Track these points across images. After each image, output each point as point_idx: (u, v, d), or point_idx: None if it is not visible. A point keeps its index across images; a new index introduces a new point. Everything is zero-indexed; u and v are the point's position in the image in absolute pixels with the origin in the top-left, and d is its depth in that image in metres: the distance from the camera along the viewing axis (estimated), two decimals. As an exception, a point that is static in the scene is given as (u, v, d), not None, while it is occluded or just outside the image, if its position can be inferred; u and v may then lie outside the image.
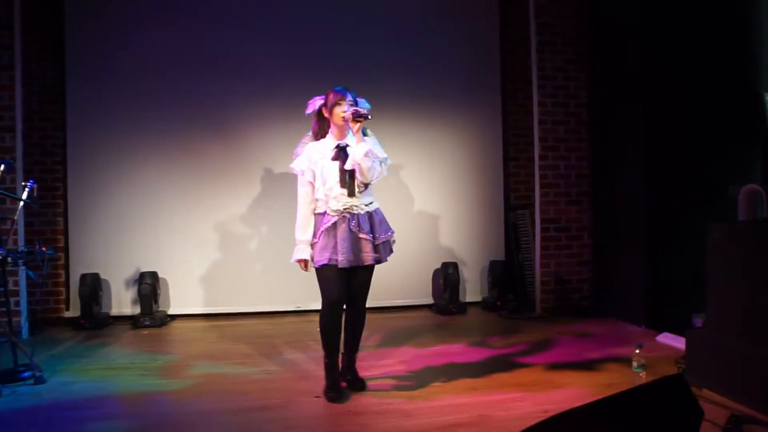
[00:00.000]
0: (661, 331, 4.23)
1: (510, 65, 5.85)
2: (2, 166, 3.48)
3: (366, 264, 3.11)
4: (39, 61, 5.12)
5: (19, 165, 4.61)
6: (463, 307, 5.37)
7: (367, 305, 3.33)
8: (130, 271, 5.24)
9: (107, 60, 5.20)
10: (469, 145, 5.73)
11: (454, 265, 5.47)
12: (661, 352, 3.79)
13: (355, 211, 3.09)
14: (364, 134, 3.25)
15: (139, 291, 5.04)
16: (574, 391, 3.12)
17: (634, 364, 3.37)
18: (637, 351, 3.38)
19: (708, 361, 3.07)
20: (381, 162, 3.13)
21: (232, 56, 5.35)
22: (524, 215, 5.69)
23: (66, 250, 5.21)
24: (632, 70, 4.68)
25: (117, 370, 3.69)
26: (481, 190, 5.75)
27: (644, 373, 3.31)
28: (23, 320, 4.54)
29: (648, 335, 4.25)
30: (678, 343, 3.85)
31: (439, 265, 5.57)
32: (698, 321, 3.92)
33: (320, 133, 3.24)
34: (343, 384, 3.24)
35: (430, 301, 5.60)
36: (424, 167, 5.60)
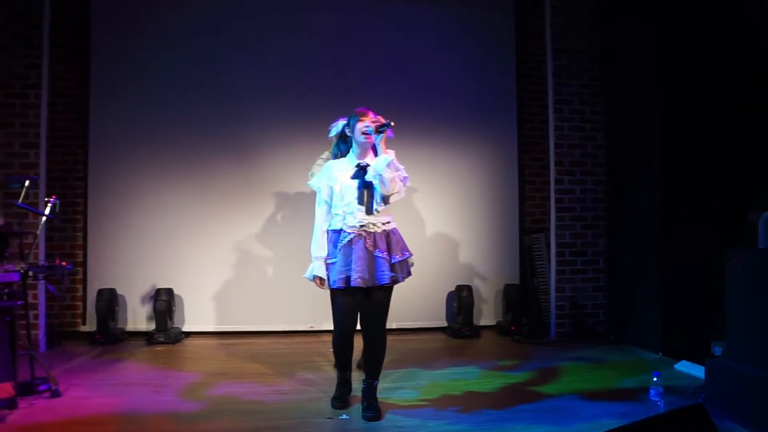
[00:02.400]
0: (679, 359, 4.17)
1: (526, 89, 5.89)
2: (27, 182, 3.57)
3: (381, 284, 3.07)
4: (64, 80, 5.26)
5: (42, 181, 4.70)
6: (476, 331, 5.33)
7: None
8: (146, 287, 5.29)
9: (130, 81, 5.33)
10: (485, 168, 5.75)
11: (469, 288, 5.44)
12: (680, 381, 3.73)
13: (372, 230, 3.08)
14: None
15: (154, 307, 5.08)
16: (588, 418, 3.07)
17: (652, 392, 3.31)
18: (655, 379, 3.32)
19: (728, 390, 3.01)
20: (401, 179, 3.11)
21: (252, 80, 5.45)
22: (539, 239, 5.67)
23: (84, 265, 5.28)
24: (648, 95, 4.70)
25: (131, 386, 3.70)
26: (497, 213, 5.75)
27: (662, 401, 3.25)
28: (41, 334, 4.59)
29: (666, 363, 4.19)
30: (697, 371, 3.79)
31: (453, 288, 5.55)
32: (718, 349, 3.85)
33: (341, 154, 3.28)
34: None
35: (443, 323, 5.57)
36: (440, 190, 5.62)
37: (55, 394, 3.39)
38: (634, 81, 4.92)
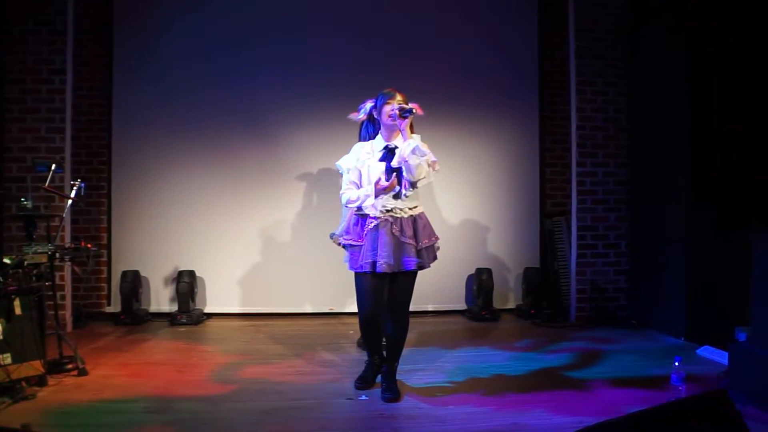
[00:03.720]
0: (701, 344, 4.12)
1: (548, 70, 5.79)
2: (54, 166, 3.63)
3: (407, 269, 3.05)
4: (88, 66, 5.31)
5: (68, 165, 4.78)
6: (496, 314, 5.32)
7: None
8: (168, 269, 5.38)
9: (152, 66, 5.37)
10: (505, 150, 5.70)
11: (488, 271, 5.43)
12: (702, 366, 3.69)
13: (398, 215, 3.05)
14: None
15: (177, 289, 5.17)
16: (609, 403, 3.06)
17: (674, 377, 3.28)
18: (677, 364, 3.29)
19: (753, 376, 2.97)
20: (429, 164, 3.06)
21: (275, 62, 5.45)
22: (560, 222, 5.62)
23: (108, 247, 5.38)
24: (675, 75, 4.58)
25: (155, 365, 3.78)
26: (517, 196, 5.71)
27: (684, 387, 3.22)
28: (68, 314, 4.70)
29: (688, 348, 4.14)
30: (720, 357, 3.75)
31: (473, 271, 5.54)
32: (742, 335, 3.79)
33: (369, 137, 3.25)
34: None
35: (463, 306, 5.57)
36: (460, 172, 5.58)
37: (83, 372, 3.48)
38: (661, 62, 4.80)
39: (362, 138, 3.32)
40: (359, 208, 3.10)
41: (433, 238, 3.14)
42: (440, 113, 5.41)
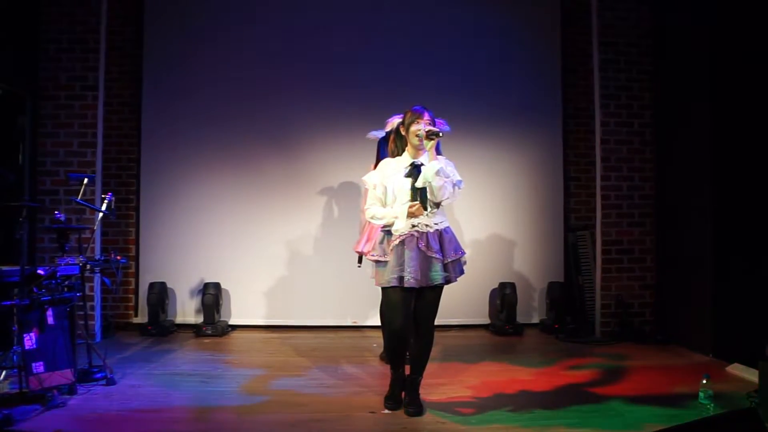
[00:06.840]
0: (731, 361, 4.04)
1: (571, 84, 5.77)
2: (86, 180, 3.74)
3: (434, 284, 3.06)
4: (119, 82, 5.46)
5: (98, 178, 4.91)
6: (520, 329, 5.28)
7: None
8: (194, 281, 5.46)
9: (180, 82, 5.48)
10: (529, 164, 5.68)
11: (512, 286, 5.40)
12: (732, 384, 3.62)
13: (424, 230, 3.06)
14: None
15: (202, 301, 5.24)
16: (634, 420, 3.01)
17: (701, 395, 3.22)
18: (705, 381, 3.23)
19: (783, 395, 2.90)
20: (454, 184, 3.10)
21: (298, 76, 5.53)
22: (585, 236, 5.57)
23: (136, 259, 5.48)
24: (701, 91, 4.53)
25: (181, 376, 3.84)
26: (541, 210, 5.68)
27: (712, 405, 3.16)
28: (97, 324, 4.80)
29: (716, 365, 4.06)
30: (750, 374, 3.66)
31: (496, 285, 5.51)
32: (773, 352, 3.71)
33: (396, 152, 3.25)
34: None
35: (486, 321, 5.54)
36: (483, 186, 5.58)
37: (111, 382, 3.55)
38: (686, 75, 4.76)
39: (390, 153, 3.33)
40: (385, 225, 3.12)
41: (460, 252, 3.14)
42: (463, 128, 5.39)
